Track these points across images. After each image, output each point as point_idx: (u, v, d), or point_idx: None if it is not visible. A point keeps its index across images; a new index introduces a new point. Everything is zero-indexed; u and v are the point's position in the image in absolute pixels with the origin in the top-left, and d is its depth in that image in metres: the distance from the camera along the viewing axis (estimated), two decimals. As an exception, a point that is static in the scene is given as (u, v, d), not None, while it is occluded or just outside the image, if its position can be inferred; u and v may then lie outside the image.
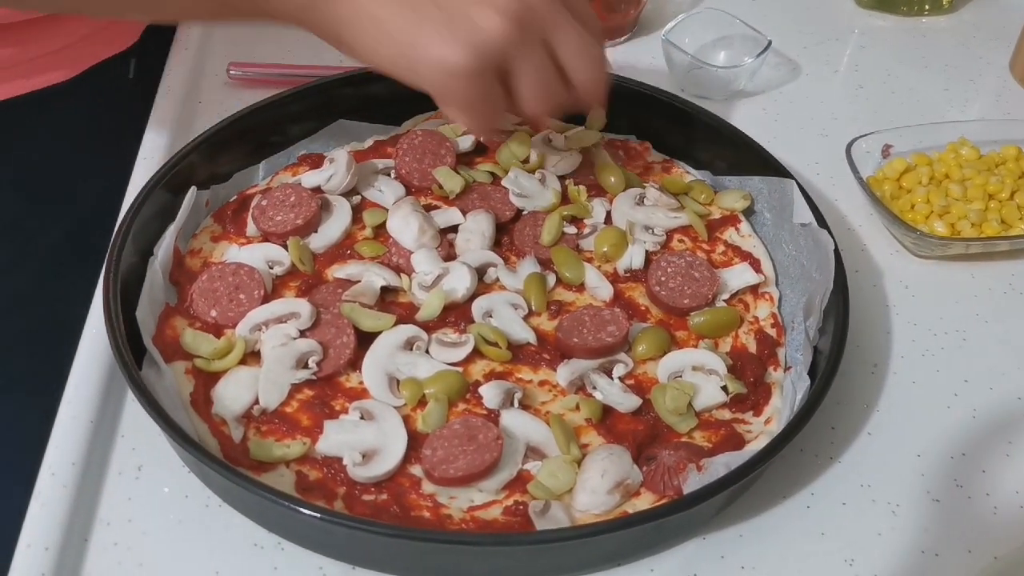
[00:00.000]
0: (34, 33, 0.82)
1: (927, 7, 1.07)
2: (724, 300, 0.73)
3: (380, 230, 0.76)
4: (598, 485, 0.60)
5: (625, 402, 0.66)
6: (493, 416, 0.65)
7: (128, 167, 0.82)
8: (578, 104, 0.67)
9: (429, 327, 0.69)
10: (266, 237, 0.74)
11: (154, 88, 0.90)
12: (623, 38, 1.01)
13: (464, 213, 0.77)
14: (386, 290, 0.72)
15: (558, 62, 0.64)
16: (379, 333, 0.68)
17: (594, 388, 0.67)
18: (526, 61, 0.62)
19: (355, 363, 0.67)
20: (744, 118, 0.83)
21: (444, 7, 0.60)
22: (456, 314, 0.70)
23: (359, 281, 0.71)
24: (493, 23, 0.60)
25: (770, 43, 0.92)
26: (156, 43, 0.93)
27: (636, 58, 0.99)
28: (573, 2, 0.65)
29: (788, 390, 0.67)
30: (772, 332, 0.72)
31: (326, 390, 0.66)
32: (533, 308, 0.72)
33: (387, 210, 0.77)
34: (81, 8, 0.74)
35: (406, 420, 0.64)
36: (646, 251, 0.75)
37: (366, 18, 0.62)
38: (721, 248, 0.77)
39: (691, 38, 0.94)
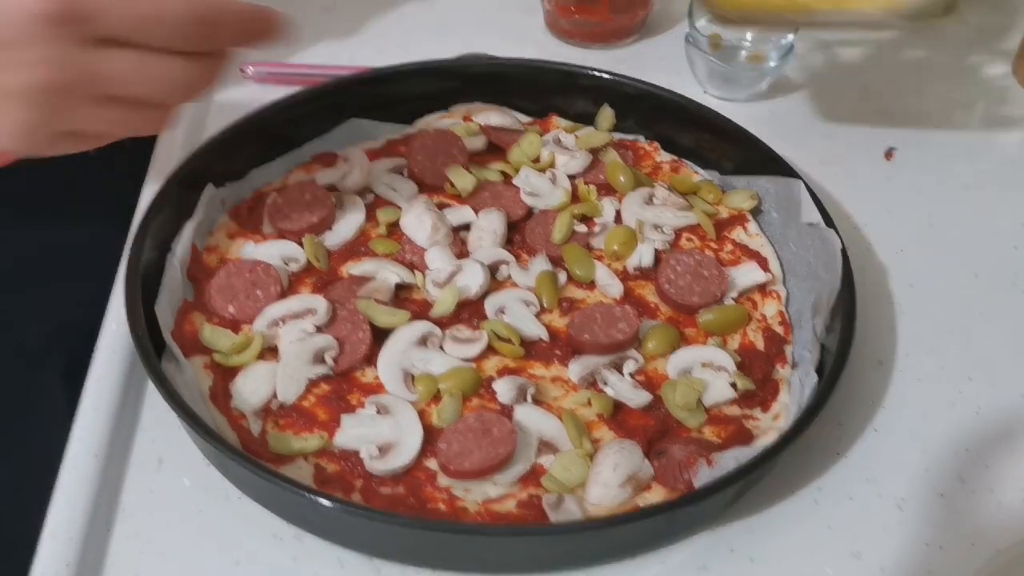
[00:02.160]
0: None
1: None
2: (732, 298, 0.75)
3: (394, 228, 0.77)
4: (610, 479, 0.62)
5: (636, 398, 0.67)
6: (507, 411, 0.66)
7: (89, 212, 0.81)
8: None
9: (443, 323, 0.70)
10: (282, 234, 0.76)
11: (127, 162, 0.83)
12: (631, 39, 1.02)
13: (476, 211, 0.78)
14: (400, 287, 0.73)
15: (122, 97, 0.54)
16: (394, 329, 0.69)
17: (605, 384, 0.68)
18: (81, 123, 0.54)
19: (371, 358, 0.68)
20: (751, 118, 0.84)
21: None
22: (469, 311, 0.72)
23: (374, 278, 0.72)
24: (14, 132, 0.52)
25: (793, 46, 0.93)
26: None
27: (645, 59, 1.00)
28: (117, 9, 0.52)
29: (796, 387, 0.68)
30: (780, 330, 0.73)
31: (342, 385, 0.67)
32: (545, 305, 0.73)
33: (400, 208, 0.78)
34: None
35: (421, 415, 0.65)
36: (655, 250, 0.76)
37: None
38: (729, 247, 0.78)
39: (710, 38, 0.94)
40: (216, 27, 0.54)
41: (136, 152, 0.84)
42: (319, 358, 0.67)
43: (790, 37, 0.93)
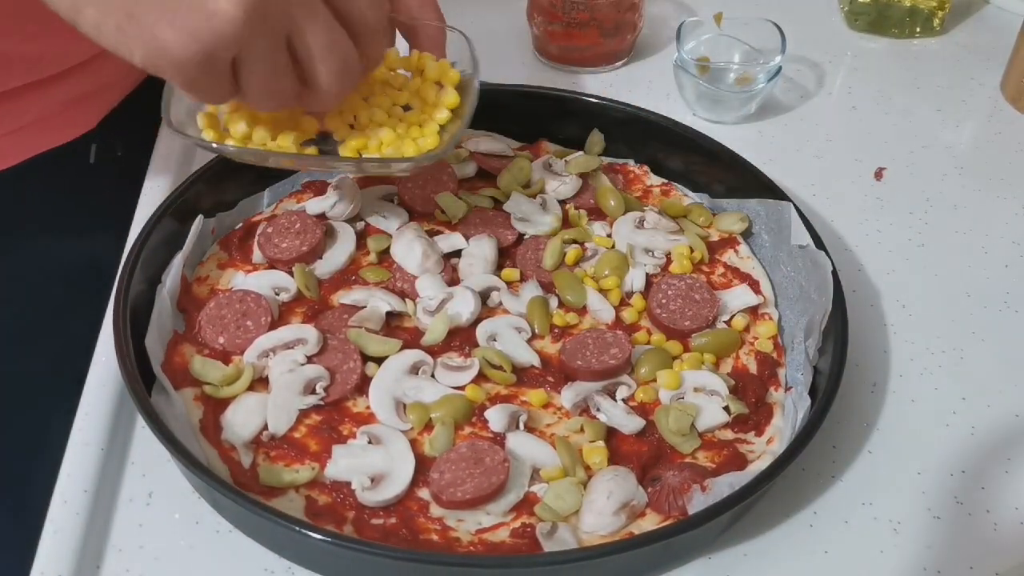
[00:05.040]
0: None
1: (918, 29, 1.09)
2: (724, 321, 0.74)
3: (384, 256, 0.77)
4: (604, 506, 0.61)
5: (629, 424, 0.67)
6: (499, 439, 0.65)
7: (92, 249, 0.80)
8: (317, 105, 0.61)
9: (434, 351, 0.70)
10: (272, 264, 0.75)
11: (118, 172, 0.86)
12: (620, 63, 1.02)
13: (466, 238, 0.78)
14: (391, 315, 0.72)
15: (297, 61, 0.58)
16: (385, 358, 0.69)
17: (598, 410, 0.68)
18: (256, 58, 0.56)
19: (362, 388, 0.68)
20: (740, 141, 0.84)
21: None
22: (461, 338, 0.71)
23: (364, 307, 0.72)
24: (225, 10, 0.52)
25: (780, 68, 0.93)
26: (119, 127, 0.88)
27: (634, 82, 1.00)
28: None
29: (789, 410, 0.68)
30: (772, 353, 0.72)
31: (334, 415, 0.66)
32: (536, 331, 0.72)
33: (391, 236, 0.78)
34: None
35: (413, 444, 0.65)
36: (647, 274, 0.76)
37: None
38: (720, 270, 0.78)
39: (698, 62, 0.95)
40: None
41: (131, 163, 0.85)
42: (310, 388, 0.67)
43: (777, 59, 0.93)
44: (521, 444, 0.65)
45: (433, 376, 0.69)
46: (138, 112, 0.88)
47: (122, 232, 0.79)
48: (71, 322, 0.75)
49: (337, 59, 0.58)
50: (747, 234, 0.81)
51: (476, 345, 0.71)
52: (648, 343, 0.72)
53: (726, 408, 0.68)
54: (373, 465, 0.63)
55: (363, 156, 0.68)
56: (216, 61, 0.54)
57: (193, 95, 0.58)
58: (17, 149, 0.81)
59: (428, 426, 0.66)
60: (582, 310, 0.75)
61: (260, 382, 0.68)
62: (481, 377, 0.69)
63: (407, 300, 0.73)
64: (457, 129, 0.68)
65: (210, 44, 0.53)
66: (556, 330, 0.73)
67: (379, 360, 0.69)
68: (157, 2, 0.53)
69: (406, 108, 0.70)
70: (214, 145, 0.67)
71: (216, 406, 0.66)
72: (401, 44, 0.69)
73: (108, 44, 0.55)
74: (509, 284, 0.76)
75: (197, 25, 0.52)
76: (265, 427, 0.65)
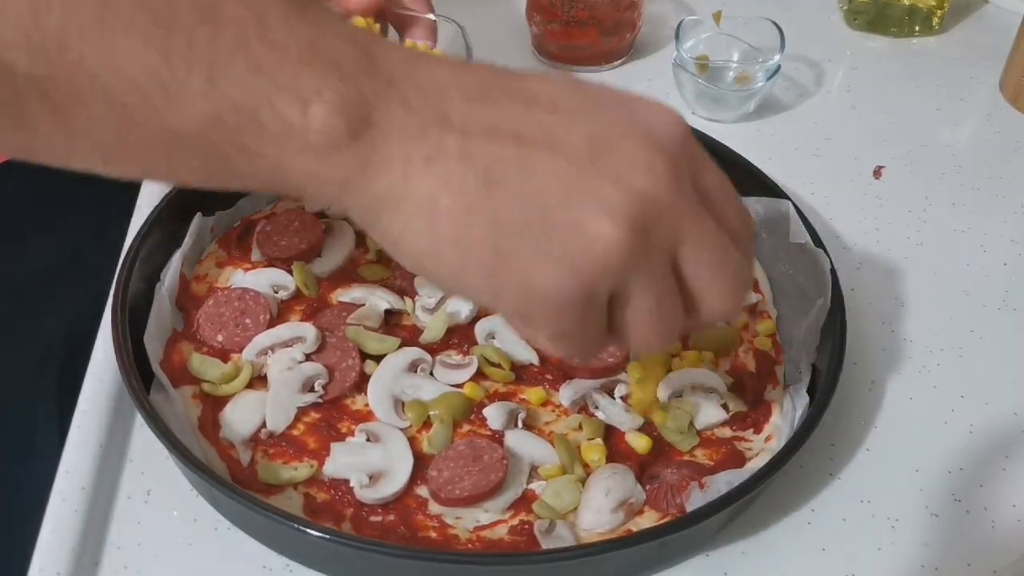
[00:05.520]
0: None
1: (917, 28, 1.09)
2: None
3: (383, 254, 0.77)
4: (602, 504, 0.61)
5: (627, 421, 0.67)
6: (497, 437, 0.65)
7: (73, 246, 0.80)
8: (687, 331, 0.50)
9: (433, 349, 0.70)
10: (271, 262, 0.75)
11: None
12: (619, 62, 1.02)
13: (465, 236, 0.78)
14: (390, 313, 0.73)
15: (683, 280, 0.45)
16: (384, 356, 0.69)
17: (596, 408, 0.68)
18: (643, 288, 0.44)
19: (360, 386, 0.68)
20: (739, 139, 0.84)
21: (536, 201, 0.42)
22: (459, 336, 0.71)
23: (363, 304, 0.72)
24: (609, 235, 0.42)
25: (779, 67, 0.93)
26: None
27: (633, 82, 1.00)
28: (711, 185, 0.46)
29: (787, 408, 0.68)
30: (771, 351, 0.72)
31: (332, 413, 0.67)
32: (535, 329, 0.72)
33: (390, 234, 0.78)
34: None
35: (412, 442, 0.65)
36: (645, 272, 0.76)
37: (425, 208, 0.42)
38: (719, 268, 0.78)
39: (697, 60, 0.95)
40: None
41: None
42: (308, 386, 0.67)
43: (776, 58, 0.93)
44: (519, 442, 0.65)
45: (432, 374, 0.69)
46: None
47: (104, 227, 0.78)
48: (51, 321, 0.74)
49: (731, 275, 0.46)
50: (746, 232, 0.80)
51: (475, 343, 0.71)
52: (646, 341, 0.72)
53: (724, 406, 0.68)
54: (371, 463, 0.63)
55: None
56: (595, 299, 0.43)
57: (559, 347, 0.47)
58: None
59: (427, 424, 0.66)
60: (581, 308, 0.75)
61: (259, 380, 0.68)
62: (480, 375, 0.69)
63: (406, 298, 0.74)
64: None
65: (591, 277, 0.42)
66: (555, 328, 0.73)
67: (378, 358, 0.69)
68: (525, 232, 0.42)
69: None
70: None
71: (215, 404, 0.66)
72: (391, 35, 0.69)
73: (470, 292, 0.45)
74: (508, 282, 0.75)
75: (575, 254, 0.42)
76: (264, 425, 0.65)
